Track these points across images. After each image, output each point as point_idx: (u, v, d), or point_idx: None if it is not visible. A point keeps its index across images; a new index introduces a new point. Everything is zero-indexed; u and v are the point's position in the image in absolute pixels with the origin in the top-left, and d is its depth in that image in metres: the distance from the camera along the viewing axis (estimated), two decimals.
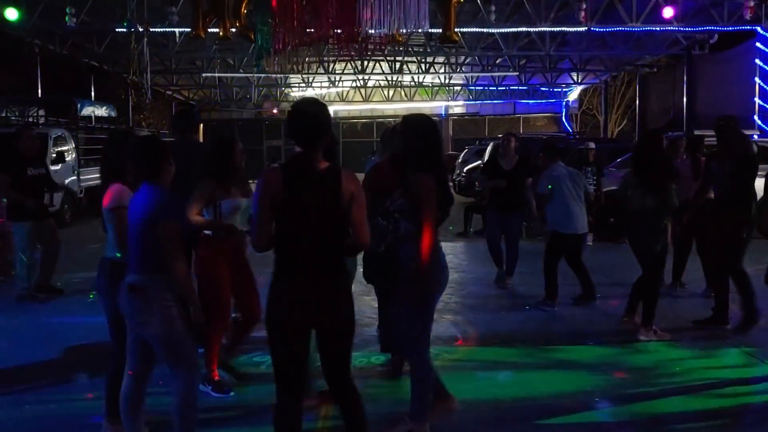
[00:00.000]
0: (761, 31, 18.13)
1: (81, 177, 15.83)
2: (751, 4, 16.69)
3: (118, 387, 3.65)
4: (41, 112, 19.03)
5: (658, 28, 18.46)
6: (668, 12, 16.85)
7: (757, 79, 18.27)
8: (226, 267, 4.65)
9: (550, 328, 6.54)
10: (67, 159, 15.40)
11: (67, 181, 15.18)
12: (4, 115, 18.26)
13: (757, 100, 18.26)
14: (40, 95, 20.58)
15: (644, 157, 6.11)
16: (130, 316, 3.47)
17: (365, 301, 6.69)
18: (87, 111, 19.03)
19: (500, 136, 9.59)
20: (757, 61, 18.33)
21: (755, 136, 14.47)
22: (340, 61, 25.02)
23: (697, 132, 12.16)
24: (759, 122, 18.09)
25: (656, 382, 5.10)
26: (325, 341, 3.20)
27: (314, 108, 3.17)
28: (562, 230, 7.16)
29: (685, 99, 21.85)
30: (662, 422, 4.41)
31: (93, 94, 24.18)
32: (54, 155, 14.91)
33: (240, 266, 4.77)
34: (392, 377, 5.00)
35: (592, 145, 12.24)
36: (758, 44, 18.36)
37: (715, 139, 6.56)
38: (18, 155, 7.72)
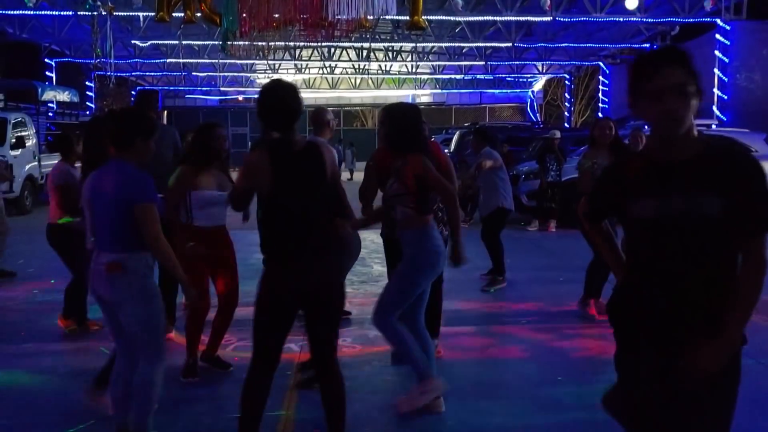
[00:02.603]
0: (720, 23, 18.55)
1: (42, 163, 15.54)
2: None
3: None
4: (0, 96, 18.64)
5: (621, 19, 18.77)
6: (632, 3, 17.16)
7: (716, 70, 18.67)
8: (202, 253, 4.45)
9: (513, 309, 6.65)
10: (27, 144, 15.12)
11: (27, 167, 14.91)
12: None
13: (716, 90, 18.68)
14: None
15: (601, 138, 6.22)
16: (109, 297, 3.34)
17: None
18: (48, 95, 18.68)
19: (466, 125, 9.66)
20: (717, 52, 18.73)
21: (713, 126, 14.81)
22: (307, 47, 24.89)
23: None
24: (717, 112, 18.51)
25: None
26: (313, 317, 3.21)
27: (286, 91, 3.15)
28: (506, 205, 7.46)
29: None
30: None
31: (54, 78, 23.71)
32: (14, 140, 14.62)
33: (219, 251, 4.60)
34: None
35: (558, 134, 12.37)
36: (717, 36, 18.77)
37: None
38: None
